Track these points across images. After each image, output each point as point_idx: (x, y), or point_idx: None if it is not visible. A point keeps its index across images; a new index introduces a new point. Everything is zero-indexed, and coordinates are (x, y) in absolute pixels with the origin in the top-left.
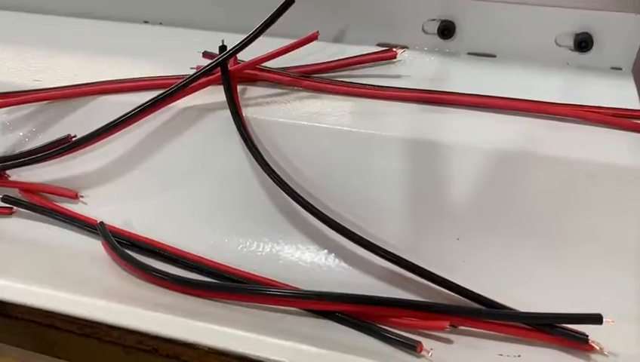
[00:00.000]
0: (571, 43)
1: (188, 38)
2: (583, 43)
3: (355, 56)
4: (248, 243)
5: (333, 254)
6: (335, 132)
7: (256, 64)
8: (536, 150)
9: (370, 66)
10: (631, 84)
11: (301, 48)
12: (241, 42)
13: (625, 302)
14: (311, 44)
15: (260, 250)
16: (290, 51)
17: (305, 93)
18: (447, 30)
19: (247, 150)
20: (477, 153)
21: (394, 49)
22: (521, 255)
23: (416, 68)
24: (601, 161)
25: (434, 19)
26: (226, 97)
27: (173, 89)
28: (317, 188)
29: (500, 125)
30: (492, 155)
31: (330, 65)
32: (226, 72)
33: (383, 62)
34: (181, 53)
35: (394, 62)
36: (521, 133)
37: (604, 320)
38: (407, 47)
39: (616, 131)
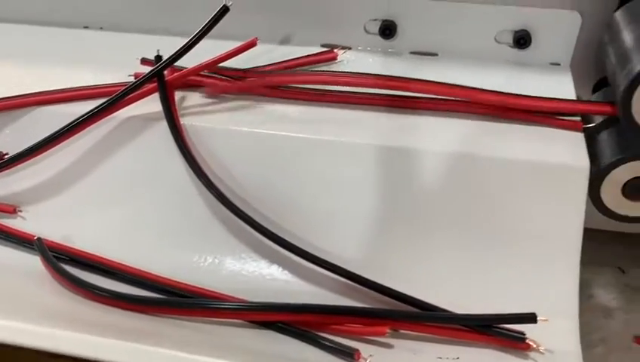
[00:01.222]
0: (510, 40)
1: (131, 42)
2: (522, 40)
3: (294, 59)
4: (191, 256)
5: (276, 264)
6: (275, 138)
7: (194, 72)
8: (471, 151)
9: (312, 68)
10: (569, 80)
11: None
12: (176, 52)
13: (561, 299)
14: (257, 46)
15: (203, 262)
16: (229, 58)
17: (246, 99)
18: (388, 30)
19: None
20: (414, 155)
21: (335, 50)
22: (459, 256)
23: (359, 68)
24: (533, 160)
25: (375, 19)
26: (163, 108)
27: (113, 99)
28: (257, 198)
29: (438, 126)
30: (429, 157)
31: (269, 69)
32: (162, 82)
33: (324, 63)
34: (124, 58)
35: (336, 62)
36: (458, 134)
37: (538, 318)
38: (350, 48)
39: (552, 129)
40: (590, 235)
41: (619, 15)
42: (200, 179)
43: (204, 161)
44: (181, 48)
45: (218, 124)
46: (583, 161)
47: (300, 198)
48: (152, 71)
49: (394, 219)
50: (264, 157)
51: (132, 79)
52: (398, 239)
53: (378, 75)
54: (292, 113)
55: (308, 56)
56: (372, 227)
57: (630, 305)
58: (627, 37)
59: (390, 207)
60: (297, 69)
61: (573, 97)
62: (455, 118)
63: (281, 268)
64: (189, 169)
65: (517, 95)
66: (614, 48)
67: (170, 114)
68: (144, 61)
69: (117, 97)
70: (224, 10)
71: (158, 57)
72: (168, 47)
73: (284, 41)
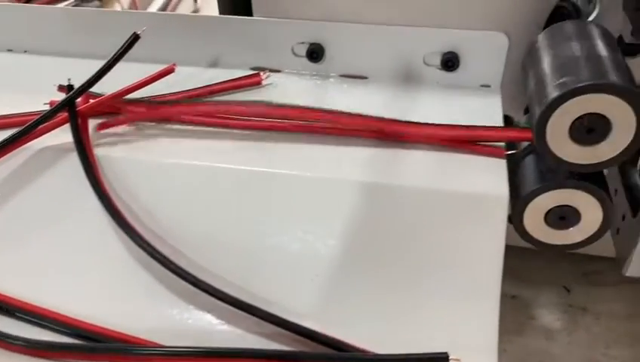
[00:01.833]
0: (439, 62)
1: (57, 67)
2: (449, 62)
3: (218, 83)
4: (108, 298)
5: (195, 307)
6: (193, 169)
7: (110, 100)
8: (386, 181)
9: (240, 92)
10: (497, 102)
11: (175, 75)
12: (85, 82)
13: (481, 333)
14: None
15: (122, 305)
16: (148, 84)
17: (167, 128)
18: (315, 53)
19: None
20: (325, 185)
21: (261, 73)
22: (377, 292)
23: (286, 91)
24: (452, 189)
25: (303, 42)
26: (74, 140)
27: (23, 130)
28: (177, 234)
29: (352, 154)
30: (345, 187)
31: (192, 94)
32: (73, 112)
33: (250, 87)
34: (47, 84)
35: (264, 86)
36: (369, 162)
37: (450, 358)
38: (280, 71)
39: (474, 156)
40: (535, 253)
41: (540, 38)
42: (114, 219)
43: (121, 195)
44: (91, 77)
45: (137, 155)
46: (503, 190)
47: (219, 234)
48: (62, 101)
49: (308, 255)
50: (185, 190)
51: (48, 107)
52: (315, 274)
53: (271, 104)
54: (218, 143)
55: (232, 80)
56: (289, 265)
57: (574, 325)
58: (545, 63)
59: (303, 241)
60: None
61: (500, 120)
62: (368, 146)
63: (201, 311)
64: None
65: (431, 125)
66: (533, 73)
67: (82, 146)
68: (61, 88)
69: (27, 128)
70: (134, 38)
71: (70, 87)
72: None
73: (214, 63)
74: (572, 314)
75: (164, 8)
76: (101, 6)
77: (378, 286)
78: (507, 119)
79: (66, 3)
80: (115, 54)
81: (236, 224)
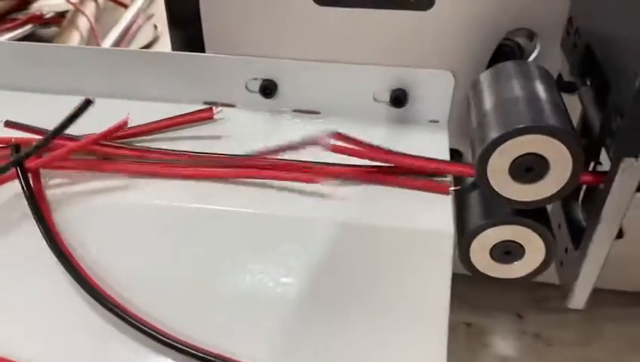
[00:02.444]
0: (388, 98)
1: (7, 101)
2: (398, 99)
3: (170, 118)
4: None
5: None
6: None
7: (61, 157)
8: (328, 217)
9: (191, 126)
10: (444, 137)
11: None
12: (33, 146)
13: None
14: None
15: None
16: (102, 139)
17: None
18: (268, 89)
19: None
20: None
21: (215, 108)
22: (325, 330)
23: (239, 125)
24: (396, 226)
25: (256, 79)
26: (28, 203)
27: None
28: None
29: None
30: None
31: (143, 130)
32: (23, 175)
33: (202, 121)
34: None
35: (218, 120)
36: (312, 198)
37: None
38: (234, 105)
39: (419, 192)
40: (490, 279)
41: (482, 77)
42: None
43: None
44: (41, 141)
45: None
46: (448, 227)
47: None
48: (7, 165)
49: (262, 297)
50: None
51: None
52: (266, 316)
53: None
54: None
55: (184, 115)
56: (240, 306)
57: (527, 352)
58: (486, 102)
59: (257, 282)
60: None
61: (447, 154)
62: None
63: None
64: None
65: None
66: (475, 112)
67: (36, 208)
68: (8, 124)
69: None
70: (86, 103)
71: (17, 147)
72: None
73: (166, 99)
74: (525, 341)
75: (123, 35)
76: (59, 33)
77: (327, 325)
78: (457, 153)
79: (23, 29)
80: (66, 119)
81: (189, 264)
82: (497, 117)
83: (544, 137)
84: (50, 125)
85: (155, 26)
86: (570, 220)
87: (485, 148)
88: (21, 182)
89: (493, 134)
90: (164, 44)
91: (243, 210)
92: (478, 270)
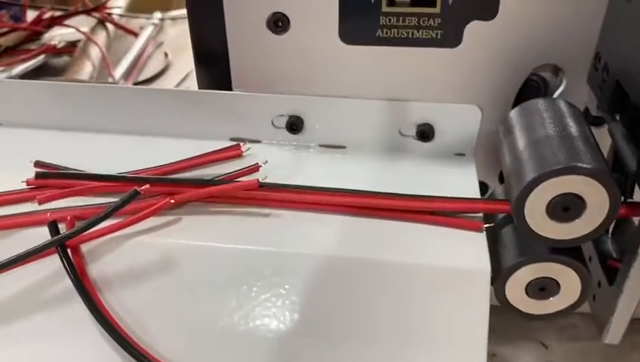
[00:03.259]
0: (414, 133)
1: (36, 140)
2: (425, 133)
3: (198, 156)
4: None
5: None
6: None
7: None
8: (363, 256)
9: (219, 164)
10: (472, 170)
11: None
12: (76, 229)
13: None
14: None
15: None
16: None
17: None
18: (294, 125)
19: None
20: (308, 260)
21: (241, 144)
22: None
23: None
24: (432, 264)
25: (282, 115)
26: (72, 282)
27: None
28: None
29: (330, 228)
30: (324, 262)
31: (172, 168)
32: (65, 256)
33: (230, 159)
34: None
35: (244, 156)
36: (351, 236)
37: None
38: (260, 141)
39: (452, 229)
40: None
41: (512, 115)
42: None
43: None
44: (83, 225)
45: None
46: (484, 265)
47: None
48: (46, 243)
49: (291, 335)
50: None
51: (24, 185)
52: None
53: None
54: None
55: (213, 153)
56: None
57: None
58: (520, 141)
59: (282, 319)
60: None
61: (476, 188)
62: (340, 220)
63: None
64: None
65: (410, 196)
66: (508, 150)
67: (78, 281)
68: (38, 164)
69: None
70: (134, 193)
71: (54, 224)
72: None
73: (193, 135)
74: None
75: (134, 63)
76: (71, 62)
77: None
78: (483, 185)
79: (36, 60)
80: (111, 207)
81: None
82: (533, 157)
83: (580, 177)
84: (80, 163)
85: (166, 54)
86: (602, 253)
87: (523, 189)
88: (63, 263)
89: (530, 175)
90: (176, 71)
91: (255, 247)
92: (513, 306)
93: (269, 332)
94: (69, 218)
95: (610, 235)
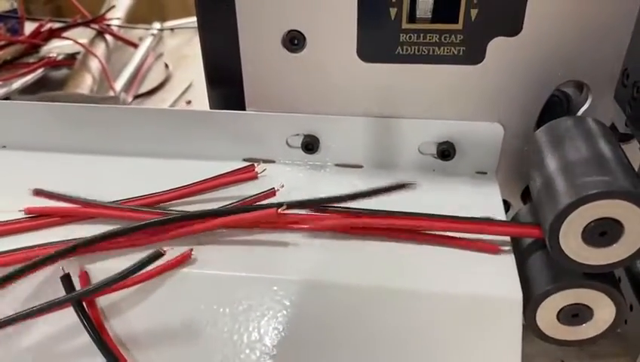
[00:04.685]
0: (435, 151)
1: (39, 163)
2: (446, 151)
3: (213, 178)
4: None
5: None
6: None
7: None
8: (395, 285)
9: (233, 185)
10: (495, 189)
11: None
12: (93, 287)
13: None
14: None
15: None
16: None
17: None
18: (310, 145)
19: None
20: (325, 291)
21: (255, 164)
22: None
23: (281, 181)
24: (461, 293)
25: (297, 135)
26: (89, 335)
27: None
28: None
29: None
30: (348, 291)
31: (187, 191)
32: (83, 315)
33: (245, 181)
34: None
35: (258, 178)
36: (374, 262)
37: None
38: (274, 161)
39: (479, 253)
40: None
41: (540, 135)
42: None
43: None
44: (99, 284)
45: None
46: (516, 292)
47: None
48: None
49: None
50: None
51: (21, 214)
52: None
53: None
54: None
55: (228, 174)
56: None
57: None
58: (550, 164)
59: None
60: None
61: (500, 207)
62: (358, 246)
63: None
64: None
65: (435, 217)
66: (538, 172)
67: (95, 333)
68: (38, 193)
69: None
70: (157, 255)
71: (68, 278)
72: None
73: (206, 156)
74: None
75: (135, 75)
76: (71, 75)
77: None
78: (505, 204)
79: (35, 73)
80: (134, 266)
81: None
82: (567, 180)
83: (617, 201)
84: (88, 188)
85: (167, 65)
86: (633, 275)
87: (558, 214)
88: (80, 318)
89: (566, 200)
90: (178, 82)
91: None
92: (544, 334)
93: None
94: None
95: None
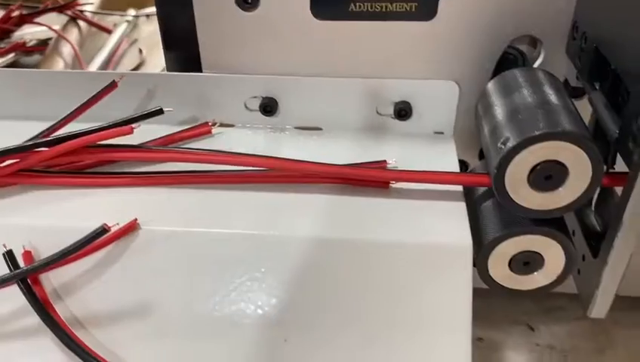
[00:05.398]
0: (392, 111)
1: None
2: (403, 111)
3: (166, 136)
4: None
5: None
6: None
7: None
8: (346, 236)
9: (189, 142)
10: (452, 148)
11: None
12: (38, 265)
13: None
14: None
15: None
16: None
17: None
18: (268, 107)
19: None
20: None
21: (210, 122)
22: (344, 351)
23: (238, 143)
24: (411, 241)
25: (255, 97)
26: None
27: None
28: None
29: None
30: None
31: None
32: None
33: (200, 137)
34: None
35: (216, 137)
36: (328, 215)
37: None
38: (233, 125)
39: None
40: (496, 293)
41: (489, 86)
42: None
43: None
44: (43, 261)
45: None
46: (465, 239)
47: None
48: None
49: (275, 319)
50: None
51: None
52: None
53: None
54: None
55: (181, 131)
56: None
57: None
58: (498, 111)
59: (267, 303)
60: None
61: (456, 165)
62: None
63: None
64: None
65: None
66: (486, 121)
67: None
68: None
69: None
70: (102, 230)
71: (10, 254)
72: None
73: (164, 121)
74: (540, 353)
75: (108, 60)
76: (42, 61)
77: (346, 346)
78: (463, 164)
79: (5, 58)
80: (79, 242)
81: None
82: (513, 125)
83: (562, 143)
84: None
85: (140, 50)
86: (585, 226)
87: (502, 157)
88: (26, 296)
89: (510, 143)
90: (151, 67)
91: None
92: (497, 283)
93: (247, 318)
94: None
95: (593, 208)
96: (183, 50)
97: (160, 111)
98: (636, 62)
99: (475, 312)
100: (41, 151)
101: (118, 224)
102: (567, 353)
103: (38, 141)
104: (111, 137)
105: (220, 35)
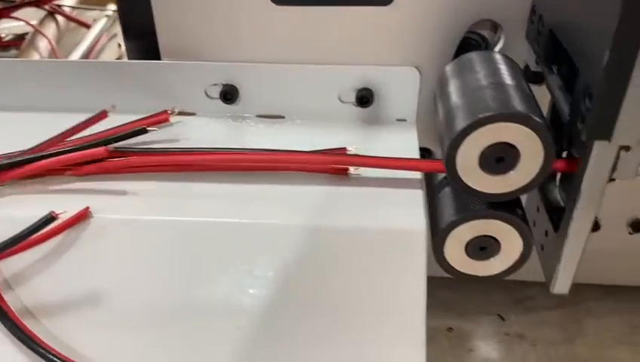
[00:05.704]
0: (354, 99)
1: None
2: (364, 98)
3: (124, 125)
4: None
5: None
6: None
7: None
8: (296, 223)
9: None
10: (413, 135)
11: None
12: None
13: None
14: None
15: None
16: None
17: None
18: (229, 94)
19: None
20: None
21: (169, 110)
22: (298, 339)
23: (199, 132)
24: (366, 226)
25: (216, 84)
26: None
27: None
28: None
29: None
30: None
31: (98, 137)
32: None
33: (159, 125)
34: None
35: (175, 125)
36: (287, 201)
37: None
38: (194, 114)
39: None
40: (467, 283)
41: (446, 70)
42: None
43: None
44: None
45: None
46: (420, 224)
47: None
48: None
49: (227, 306)
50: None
51: None
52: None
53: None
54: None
55: (139, 120)
56: (208, 317)
57: (511, 354)
58: (452, 94)
59: (221, 291)
60: None
61: (416, 152)
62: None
63: None
64: None
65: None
66: (441, 105)
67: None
68: None
69: None
70: (50, 219)
71: None
72: None
73: (123, 109)
74: (509, 343)
75: (86, 55)
76: (18, 54)
77: (301, 334)
78: (427, 152)
79: None
80: (25, 230)
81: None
82: (464, 107)
83: (512, 125)
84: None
85: (120, 45)
86: (549, 202)
87: (453, 139)
88: None
89: (460, 125)
90: None
91: (202, 219)
92: (454, 269)
93: (199, 306)
94: None
95: (558, 184)
96: (142, 39)
97: (143, 131)
98: (584, 41)
99: (446, 302)
100: (13, 170)
101: (66, 211)
102: (537, 342)
103: (12, 161)
104: (85, 159)
105: (178, 21)
